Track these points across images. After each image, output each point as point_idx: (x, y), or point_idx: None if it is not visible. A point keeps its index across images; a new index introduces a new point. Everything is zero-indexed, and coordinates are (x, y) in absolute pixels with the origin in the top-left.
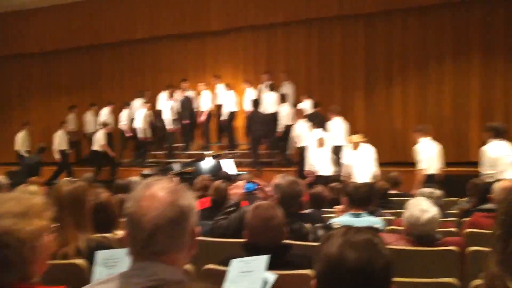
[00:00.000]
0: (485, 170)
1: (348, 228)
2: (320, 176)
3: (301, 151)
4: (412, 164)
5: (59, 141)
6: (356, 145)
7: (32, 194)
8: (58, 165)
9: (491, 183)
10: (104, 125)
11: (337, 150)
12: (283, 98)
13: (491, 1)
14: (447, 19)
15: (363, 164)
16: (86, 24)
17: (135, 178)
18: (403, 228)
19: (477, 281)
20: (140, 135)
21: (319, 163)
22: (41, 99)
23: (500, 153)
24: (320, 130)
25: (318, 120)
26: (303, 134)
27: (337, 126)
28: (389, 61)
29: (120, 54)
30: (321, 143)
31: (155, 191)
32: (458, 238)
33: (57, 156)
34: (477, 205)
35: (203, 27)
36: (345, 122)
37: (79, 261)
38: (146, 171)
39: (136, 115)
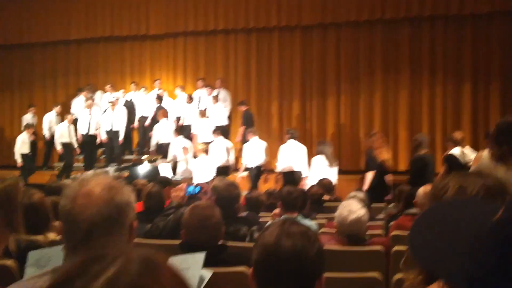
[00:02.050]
0: (281, 163)
1: (285, 220)
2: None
3: (160, 149)
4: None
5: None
6: (199, 152)
7: None
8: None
9: (415, 189)
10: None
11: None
12: (190, 99)
13: (418, 21)
14: (378, 36)
15: (203, 170)
16: (18, 22)
17: (68, 182)
18: (334, 230)
19: (399, 275)
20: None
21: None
22: None
23: (293, 150)
24: (182, 137)
25: (249, 119)
26: (163, 132)
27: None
28: (323, 73)
29: (53, 54)
30: (185, 151)
31: (91, 188)
32: (385, 239)
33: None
34: (402, 210)
35: (141, 30)
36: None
37: (9, 262)
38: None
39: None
